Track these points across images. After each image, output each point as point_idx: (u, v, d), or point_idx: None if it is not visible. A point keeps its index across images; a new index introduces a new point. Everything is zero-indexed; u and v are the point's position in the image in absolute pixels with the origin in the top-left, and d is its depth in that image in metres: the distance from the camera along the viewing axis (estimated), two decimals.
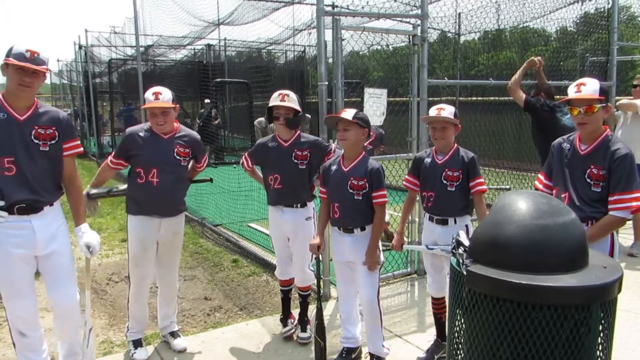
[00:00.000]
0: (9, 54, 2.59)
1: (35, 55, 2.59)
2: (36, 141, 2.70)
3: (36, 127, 2.70)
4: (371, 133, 5.67)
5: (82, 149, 2.97)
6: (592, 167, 2.70)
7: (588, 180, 2.71)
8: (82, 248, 2.85)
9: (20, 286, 2.74)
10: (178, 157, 3.34)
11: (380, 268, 3.21)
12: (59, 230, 2.82)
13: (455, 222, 3.15)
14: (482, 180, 3.15)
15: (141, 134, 3.31)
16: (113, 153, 3.44)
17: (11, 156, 2.63)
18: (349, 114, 3.08)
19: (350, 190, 3.09)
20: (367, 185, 3.08)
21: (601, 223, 2.65)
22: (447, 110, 3.09)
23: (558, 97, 4.84)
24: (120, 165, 3.38)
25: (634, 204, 2.59)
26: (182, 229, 3.57)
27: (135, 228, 3.35)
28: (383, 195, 3.10)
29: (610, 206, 2.64)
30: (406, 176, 3.44)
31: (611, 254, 2.70)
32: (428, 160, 3.25)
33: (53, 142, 2.76)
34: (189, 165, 3.48)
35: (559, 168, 2.88)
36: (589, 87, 2.69)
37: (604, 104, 2.70)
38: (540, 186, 3.01)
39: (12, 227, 2.67)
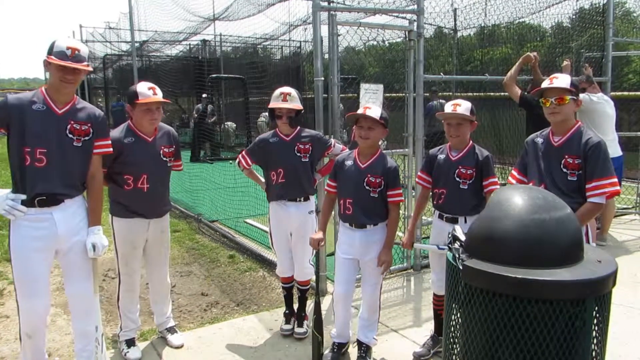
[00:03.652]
0: (50, 50, 2.60)
1: (76, 52, 2.61)
2: (70, 136, 2.72)
3: (72, 122, 2.72)
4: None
5: (111, 149, 2.95)
6: (566, 157, 2.82)
7: (564, 170, 2.82)
8: (87, 245, 2.82)
9: (36, 284, 2.72)
10: (165, 159, 3.33)
11: None
12: (80, 224, 2.82)
13: (465, 220, 3.09)
14: (495, 179, 3.12)
15: (126, 140, 3.19)
16: None
17: (44, 148, 2.64)
18: (374, 112, 2.98)
19: (367, 187, 3.04)
20: (384, 183, 3.05)
21: (581, 211, 2.71)
22: (463, 107, 3.05)
23: None
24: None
25: (608, 189, 2.72)
26: (168, 227, 3.56)
27: (123, 230, 3.32)
28: (399, 194, 3.09)
29: (588, 193, 2.75)
30: (419, 172, 3.41)
31: (587, 241, 2.78)
32: (442, 156, 3.20)
33: (87, 138, 2.77)
34: None
35: (533, 162, 2.97)
36: (561, 80, 2.84)
37: (574, 97, 2.82)
38: (513, 182, 3.06)
39: (33, 220, 2.67)
